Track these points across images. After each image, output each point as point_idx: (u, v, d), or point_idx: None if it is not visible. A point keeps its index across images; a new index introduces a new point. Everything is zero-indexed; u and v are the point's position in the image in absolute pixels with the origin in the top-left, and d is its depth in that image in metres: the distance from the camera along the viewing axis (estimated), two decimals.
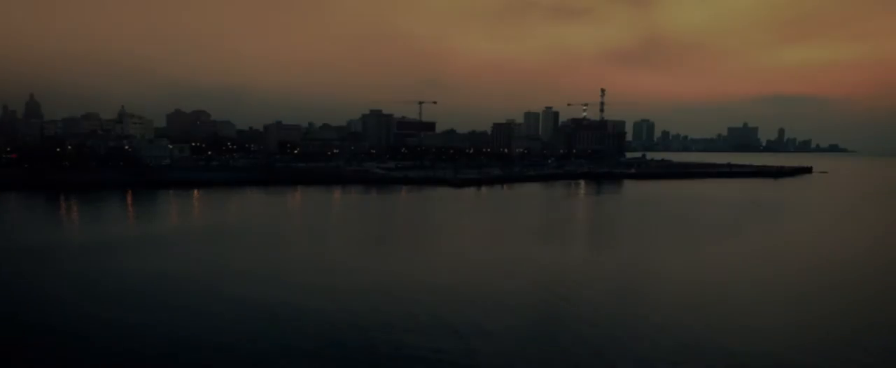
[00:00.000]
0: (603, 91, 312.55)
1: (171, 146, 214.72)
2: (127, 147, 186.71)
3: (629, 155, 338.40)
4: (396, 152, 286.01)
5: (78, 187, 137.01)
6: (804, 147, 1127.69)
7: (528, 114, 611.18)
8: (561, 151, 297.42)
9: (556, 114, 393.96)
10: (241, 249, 65.63)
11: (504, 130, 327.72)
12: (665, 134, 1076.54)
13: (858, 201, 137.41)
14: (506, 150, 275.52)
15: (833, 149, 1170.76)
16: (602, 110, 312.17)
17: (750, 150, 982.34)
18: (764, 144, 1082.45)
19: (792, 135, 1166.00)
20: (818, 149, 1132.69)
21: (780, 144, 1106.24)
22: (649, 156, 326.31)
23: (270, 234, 75.93)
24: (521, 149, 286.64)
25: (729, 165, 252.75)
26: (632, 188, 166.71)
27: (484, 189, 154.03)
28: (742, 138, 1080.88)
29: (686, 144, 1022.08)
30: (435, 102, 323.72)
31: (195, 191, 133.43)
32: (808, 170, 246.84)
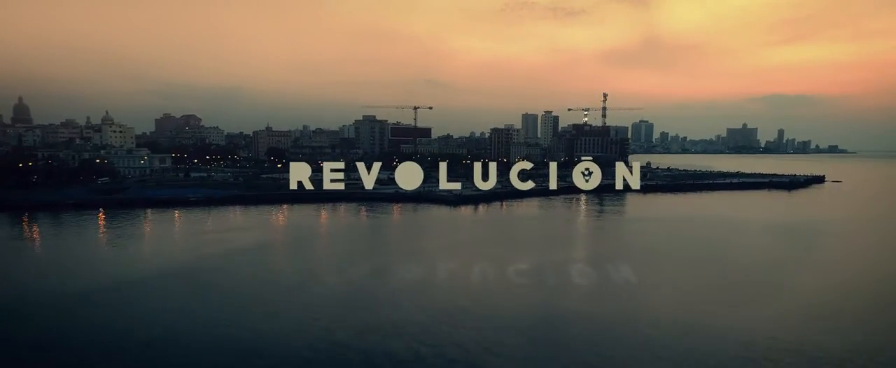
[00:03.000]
0: (605, 96, 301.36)
1: (144, 160, 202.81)
2: (98, 160, 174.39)
3: (631, 158, 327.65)
4: (390, 159, 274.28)
5: (45, 208, 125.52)
6: (803, 148, 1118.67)
7: (526, 116, 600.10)
8: (562, 159, 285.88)
9: (556, 119, 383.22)
10: (211, 305, 54.93)
11: (502, 136, 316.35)
12: (664, 135, 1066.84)
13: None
14: (505, 160, 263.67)
15: (832, 149, 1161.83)
16: (604, 116, 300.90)
17: (749, 152, 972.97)
18: (763, 145, 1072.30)
19: (791, 135, 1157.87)
20: (818, 151, 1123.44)
21: (779, 145, 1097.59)
22: (653, 163, 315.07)
23: (241, 286, 64.23)
24: (521, 159, 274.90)
25: (738, 174, 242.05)
26: (639, 205, 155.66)
27: (482, 207, 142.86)
28: (741, 139, 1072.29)
29: (685, 146, 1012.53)
30: (430, 108, 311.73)
31: (176, 213, 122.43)
32: (820, 180, 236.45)
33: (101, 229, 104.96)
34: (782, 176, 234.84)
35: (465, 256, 78.13)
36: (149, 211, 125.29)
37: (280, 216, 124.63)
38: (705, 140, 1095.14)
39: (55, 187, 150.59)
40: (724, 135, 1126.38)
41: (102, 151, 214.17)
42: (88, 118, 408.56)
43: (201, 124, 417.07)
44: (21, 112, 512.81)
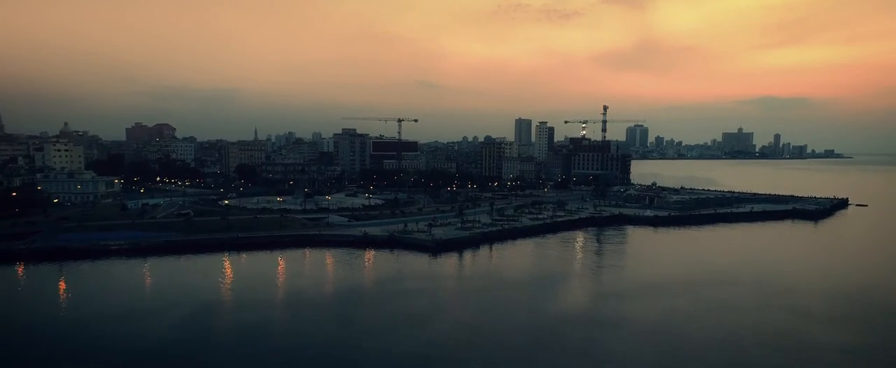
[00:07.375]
0: (605, 108, 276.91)
1: (80, 185, 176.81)
2: (15, 193, 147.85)
3: (632, 162, 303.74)
4: (370, 178, 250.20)
5: None
6: (799, 152, 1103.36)
7: (519, 122, 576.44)
8: (560, 178, 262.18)
9: (552, 130, 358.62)
10: None
11: (494, 150, 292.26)
12: (659, 139, 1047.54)
13: None
14: (496, 184, 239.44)
15: (829, 154, 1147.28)
16: (604, 130, 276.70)
17: (745, 156, 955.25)
18: (758, 150, 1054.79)
19: (786, 139, 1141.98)
20: (814, 155, 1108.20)
21: (775, 150, 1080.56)
22: (654, 174, 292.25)
23: None
24: (514, 179, 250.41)
25: (754, 197, 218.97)
26: (651, 250, 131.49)
27: (467, 254, 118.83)
28: (737, 144, 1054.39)
29: (681, 151, 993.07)
30: (416, 120, 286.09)
31: (90, 268, 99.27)
32: (843, 205, 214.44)
33: None
34: (804, 199, 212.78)
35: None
36: (76, 263, 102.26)
37: (224, 273, 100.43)
38: (701, 145, 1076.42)
39: None
40: (719, 139, 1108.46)
41: (39, 175, 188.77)
42: (66, 123, 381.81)
43: (174, 134, 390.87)
44: None
